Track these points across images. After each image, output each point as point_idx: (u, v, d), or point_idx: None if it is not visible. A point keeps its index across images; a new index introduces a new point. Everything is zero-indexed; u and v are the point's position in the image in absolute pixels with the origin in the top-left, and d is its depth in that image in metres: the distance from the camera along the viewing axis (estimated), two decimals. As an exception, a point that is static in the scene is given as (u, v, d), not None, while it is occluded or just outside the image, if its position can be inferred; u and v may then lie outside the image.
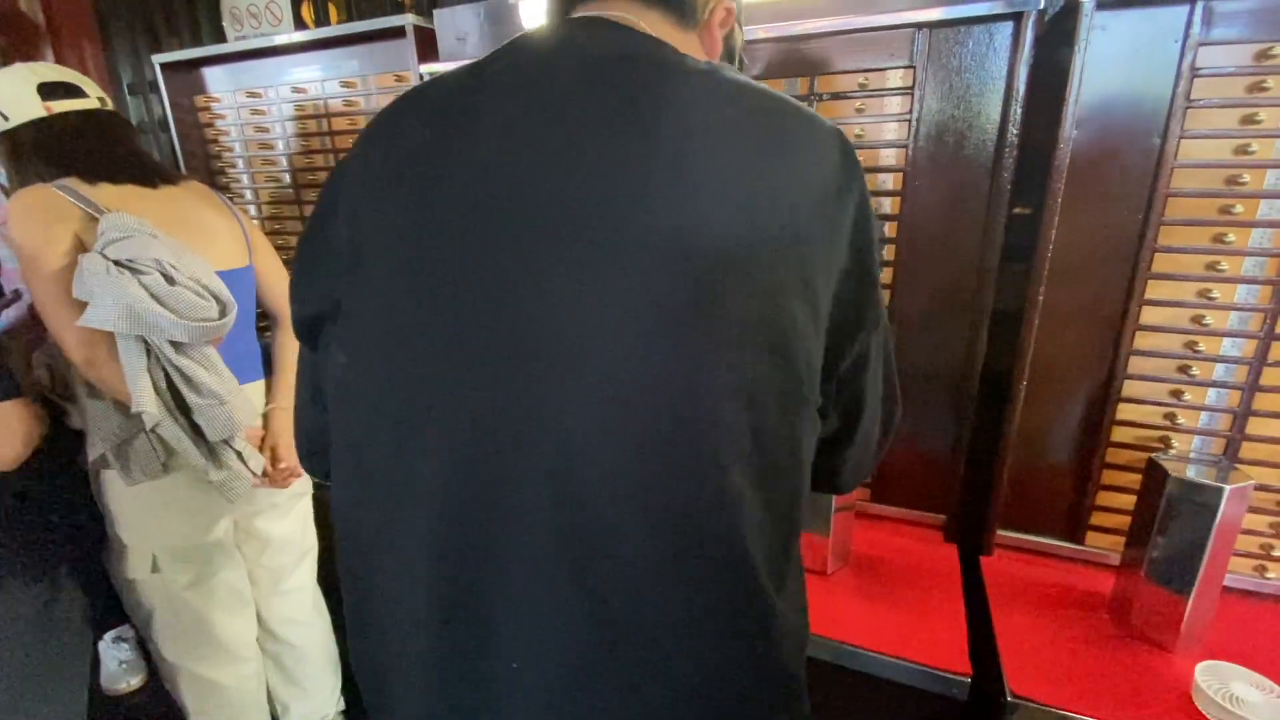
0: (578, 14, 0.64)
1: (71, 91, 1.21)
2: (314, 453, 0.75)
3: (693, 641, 0.56)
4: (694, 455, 0.53)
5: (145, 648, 1.95)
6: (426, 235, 0.56)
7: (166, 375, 1.14)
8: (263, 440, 1.36)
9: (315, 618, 1.61)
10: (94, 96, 1.24)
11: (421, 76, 1.47)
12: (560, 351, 0.52)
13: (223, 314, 1.17)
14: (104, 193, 1.16)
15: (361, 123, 1.66)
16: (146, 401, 1.10)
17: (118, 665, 1.93)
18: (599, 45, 0.59)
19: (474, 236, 0.55)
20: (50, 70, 1.22)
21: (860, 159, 0.61)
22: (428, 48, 1.49)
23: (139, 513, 1.26)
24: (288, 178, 1.84)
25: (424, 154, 0.58)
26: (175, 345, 1.13)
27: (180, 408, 1.16)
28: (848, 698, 1.07)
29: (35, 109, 1.17)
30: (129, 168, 1.22)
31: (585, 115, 0.55)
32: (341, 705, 1.70)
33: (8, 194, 1.35)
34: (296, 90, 1.72)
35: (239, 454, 1.23)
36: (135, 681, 1.94)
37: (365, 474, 0.60)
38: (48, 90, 1.19)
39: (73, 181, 1.14)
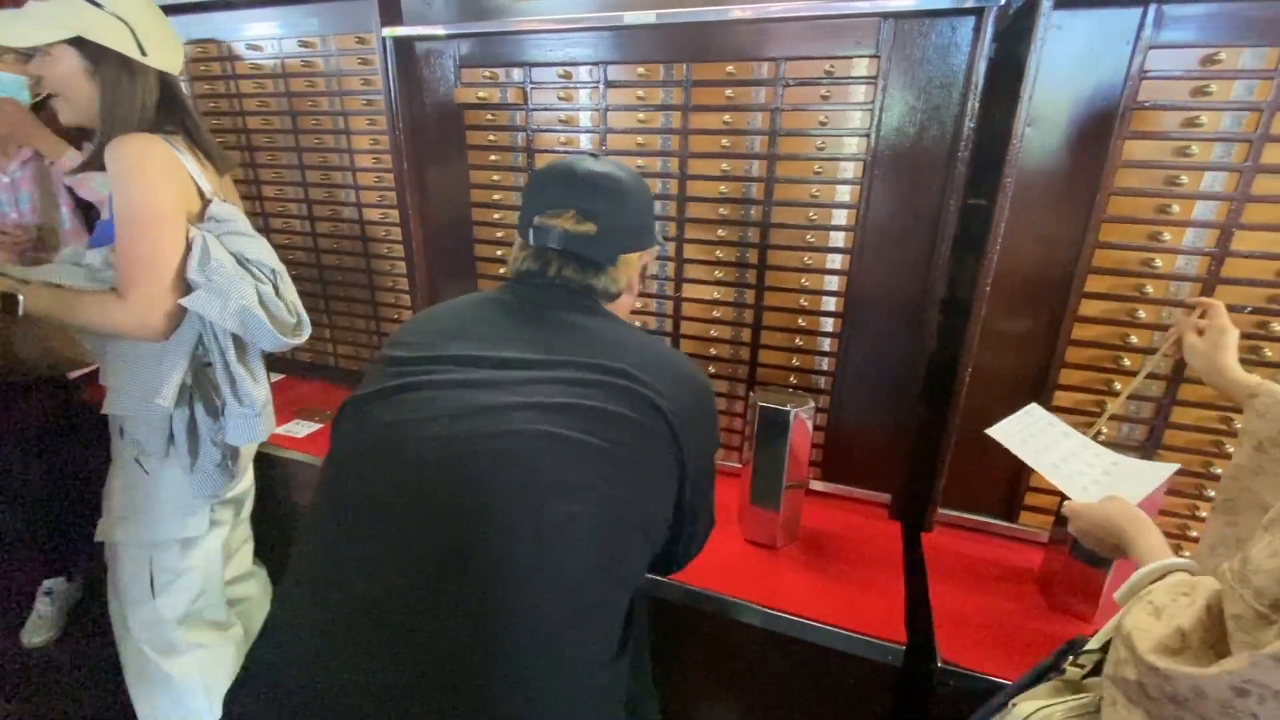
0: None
1: None
2: None
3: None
4: None
5: (66, 609, 1.97)
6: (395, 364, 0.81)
7: (212, 377, 1.18)
8: None
9: None
10: None
11: (384, 39, 1.42)
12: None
13: (297, 330, 1.22)
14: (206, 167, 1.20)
15: (321, 85, 1.60)
16: (170, 396, 1.12)
17: (36, 618, 1.92)
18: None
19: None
20: None
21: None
22: (392, 9, 1.44)
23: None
24: (241, 139, 1.77)
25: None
26: (238, 350, 1.17)
27: (209, 410, 1.19)
28: (792, 666, 1.13)
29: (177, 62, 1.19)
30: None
31: (521, 325, 0.82)
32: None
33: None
34: (252, 47, 1.65)
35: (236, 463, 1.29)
36: (41, 639, 1.89)
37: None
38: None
39: (180, 141, 1.15)
